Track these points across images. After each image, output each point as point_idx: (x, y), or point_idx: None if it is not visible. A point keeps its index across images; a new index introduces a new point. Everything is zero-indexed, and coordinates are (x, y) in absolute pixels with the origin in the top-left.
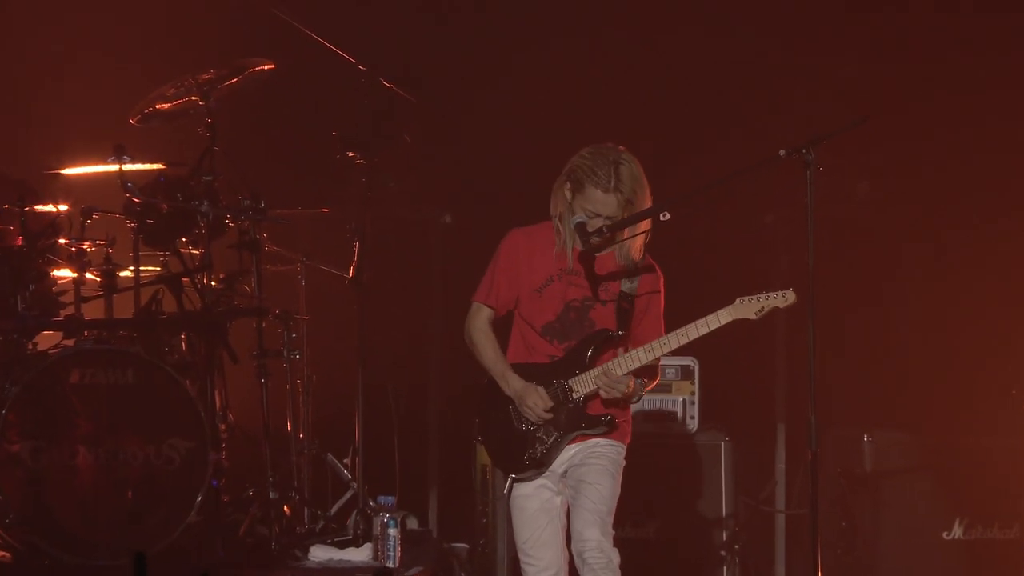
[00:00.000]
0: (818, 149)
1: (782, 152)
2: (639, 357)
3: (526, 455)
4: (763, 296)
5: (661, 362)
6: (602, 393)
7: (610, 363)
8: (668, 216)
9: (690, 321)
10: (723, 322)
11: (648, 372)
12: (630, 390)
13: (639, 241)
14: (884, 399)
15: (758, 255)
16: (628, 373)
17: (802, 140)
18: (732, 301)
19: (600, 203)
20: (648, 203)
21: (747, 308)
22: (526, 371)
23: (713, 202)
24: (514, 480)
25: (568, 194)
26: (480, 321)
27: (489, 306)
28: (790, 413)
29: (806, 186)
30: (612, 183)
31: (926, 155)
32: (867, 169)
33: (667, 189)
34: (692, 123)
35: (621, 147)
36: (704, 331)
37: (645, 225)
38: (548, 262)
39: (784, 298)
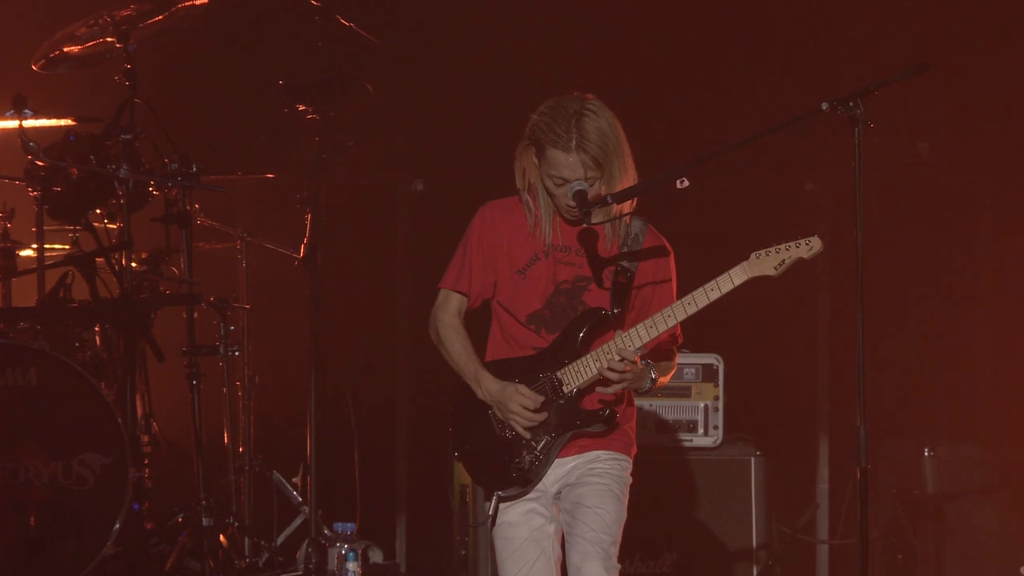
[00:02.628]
0: (868, 102)
1: (825, 105)
2: (639, 335)
3: (512, 467)
4: (782, 247)
5: (678, 361)
6: (606, 374)
7: (608, 344)
8: (687, 183)
9: None
10: (736, 283)
11: (658, 357)
12: (638, 367)
13: (627, 207)
14: (948, 406)
15: (796, 230)
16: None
17: (849, 91)
18: (747, 257)
19: (564, 166)
20: (628, 161)
21: (764, 264)
22: (505, 367)
23: (742, 166)
24: (499, 499)
25: (536, 159)
26: (447, 313)
27: (460, 293)
28: (834, 422)
29: (853, 147)
30: (574, 141)
31: (998, 110)
32: (928, 127)
33: (686, 151)
34: (717, 72)
35: (589, 95)
36: (715, 295)
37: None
38: (532, 239)
39: (808, 247)
